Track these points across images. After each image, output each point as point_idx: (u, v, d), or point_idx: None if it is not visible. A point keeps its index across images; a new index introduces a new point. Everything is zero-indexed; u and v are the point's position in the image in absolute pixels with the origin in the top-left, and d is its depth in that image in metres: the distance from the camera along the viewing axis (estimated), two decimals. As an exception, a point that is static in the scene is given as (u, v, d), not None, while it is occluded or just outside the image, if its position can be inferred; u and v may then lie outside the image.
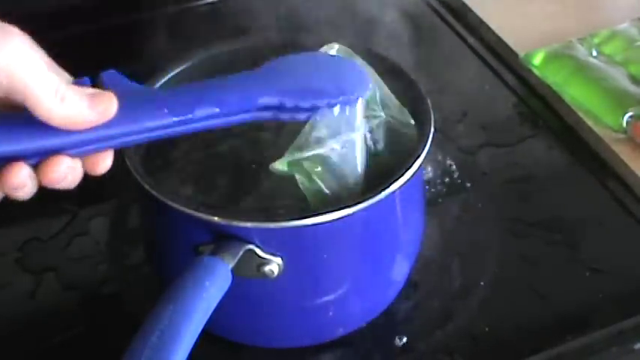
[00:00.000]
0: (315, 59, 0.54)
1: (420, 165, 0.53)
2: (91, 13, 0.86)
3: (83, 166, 0.45)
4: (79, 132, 0.43)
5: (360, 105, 0.52)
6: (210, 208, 0.50)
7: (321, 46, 0.57)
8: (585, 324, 0.59)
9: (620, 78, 0.77)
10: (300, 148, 0.51)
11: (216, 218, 0.50)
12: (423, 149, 0.53)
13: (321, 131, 0.51)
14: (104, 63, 0.80)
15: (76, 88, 0.43)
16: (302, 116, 0.51)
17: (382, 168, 0.53)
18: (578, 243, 0.65)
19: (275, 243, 0.51)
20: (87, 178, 0.71)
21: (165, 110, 0.46)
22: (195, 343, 0.45)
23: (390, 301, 0.59)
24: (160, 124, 0.46)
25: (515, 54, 0.82)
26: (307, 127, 0.51)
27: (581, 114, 0.75)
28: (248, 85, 0.49)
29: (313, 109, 0.50)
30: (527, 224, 0.66)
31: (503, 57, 0.82)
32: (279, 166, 0.52)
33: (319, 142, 0.51)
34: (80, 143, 0.44)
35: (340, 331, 0.58)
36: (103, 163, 0.46)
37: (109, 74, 0.46)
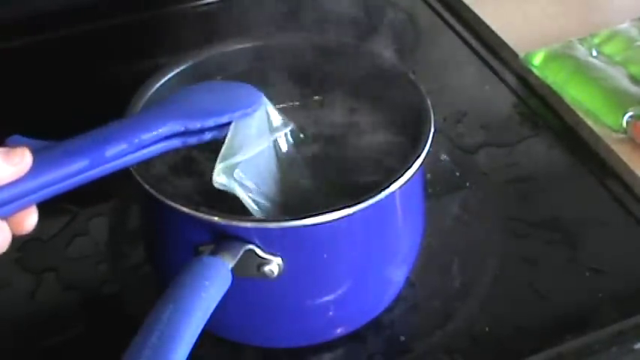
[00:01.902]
0: (210, 86, 0.57)
1: (420, 165, 0.53)
2: (91, 13, 0.86)
3: (10, 227, 0.45)
4: (0, 190, 0.44)
5: (260, 116, 0.55)
6: (210, 208, 0.50)
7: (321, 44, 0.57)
8: (585, 324, 0.59)
9: (620, 78, 0.77)
10: (227, 157, 0.53)
11: (216, 218, 0.50)
12: (423, 149, 0.53)
13: (239, 140, 0.54)
14: (104, 63, 0.81)
15: None
16: (207, 137, 0.53)
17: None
18: (578, 243, 0.65)
19: (275, 243, 0.51)
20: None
21: (77, 155, 0.47)
22: (195, 343, 0.45)
23: (390, 301, 0.59)
24: (74, 169, 0.47)
25: (515, 54, 0.82)
26: (227, 138, 0.54)
27: (581, 114, 0.75)
28: (151, 118, 0.51)
29: (216, 128, 0.53)
30: (527, 224, 0.66)
31: (503, 57, 0.82)
32: (219, 178, 0.53)
33: (241, 149, 0.53)
34: (2, 202, 0.44)
35: (340, 331, 0.58)
36: (28, 220, 0.46)
37: (14, 139, 0.47)
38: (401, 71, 0.59)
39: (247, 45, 0.62)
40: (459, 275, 0.63)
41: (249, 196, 0.53)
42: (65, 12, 0.84)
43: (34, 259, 0.65)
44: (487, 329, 0.59)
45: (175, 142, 0.51)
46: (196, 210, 0.50)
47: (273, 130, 0.56)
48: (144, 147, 0.49)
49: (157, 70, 0.60)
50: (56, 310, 0.62)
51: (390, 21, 0.70)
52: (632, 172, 0.69)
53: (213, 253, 0.49)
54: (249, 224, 0.50)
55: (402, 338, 0.59)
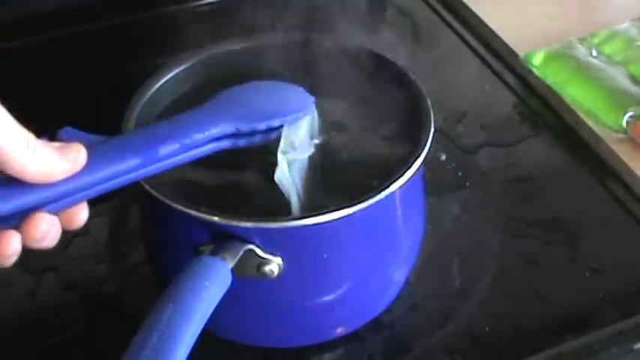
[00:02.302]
0: (260, 86, 0.57)
1: (420, 165, 0.53)
2: (91, 13, 0.86)
3: (62, 223, 0.46)
4: (54, 185, 0.44)
5: (309, 119, 0.55)
6: (210, 208, 0.50)
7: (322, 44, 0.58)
8: (585, 324, 0.59)
9: (620, 78, 0.77)
10: (286, 152, 0.53)
11: (216, 218, 0.50)
12: (423, 149, 0.53)
13: (292, 140, 0.54)
14: (104, 63, 0.81)
15: (44, 141, 0.43)
16: (257, 139, 0.53)
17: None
18: (578, 243, 0.65)
19: (275, 243, 0.51)
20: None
21: (131, 153, 0.47)
22: (195, 343, 0.45)
23: (390, 300, 0.59)
24: (127, 167, 0.47)
25: (515, 54, 0.82)
26: (283, 136, 0.54)
27: (581, 114, 0.75)
28: (203, 118, 0.51)
29: (268, 131, 0.53)
30: (527, 224, 0.66)
31: (503, 57, 0.82)
32: (282, 173, 0.53)
33: (295, 149, 0.53)
34: (56, 197, 0.44)
35: (340, 331, 0.58)
36: (80, 216, 0.46)
37: (66, 131, 0.47)
38: (401, 71, 0.59)
39: (247, 45, 0.62)
40: (459, 275, 0.63)
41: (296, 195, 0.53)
42: (65, 12, 0.84)
43: (34, 259, 0.64)
44: (487, 329, 0.59)
45: (225, 143, 0.51)
46: (196, 210, 0.50)
47: (315, 135, 0.56)
48: (195, 147, 0.49)
49: (157, 70, 0.60)
50: (56, 309, 0.62)
51: (390, 21, 0.70)
52: (632, 172, 0.69)
53: (213, 253, 0.49)
54: (249, 224, 0.50)
55: (402, 338, 0.59)
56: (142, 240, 0.64)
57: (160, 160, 0.48)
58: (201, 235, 0.51)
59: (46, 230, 0.44)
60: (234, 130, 0.51)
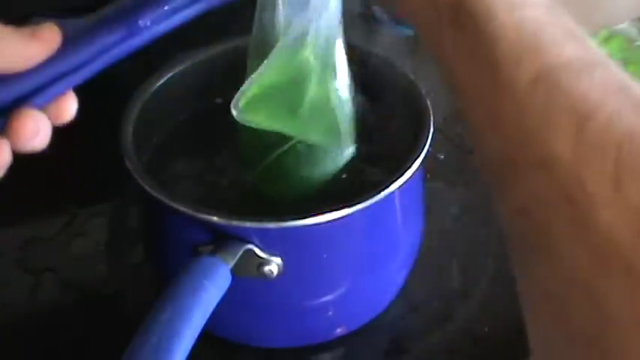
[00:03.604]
0: None
1: (420, 165, 0.53)
2: (91, 12, 0.85)
3: (50, 118, 0.43)
4: (34, 73, 0.41)
5: None
6: (210, 208, 0.50)
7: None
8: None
9: (620, 78, 0.77)
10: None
11: (215, 218, 0.50)
12: (423, 149, 0.53)
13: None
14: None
15: (12, 27, 0.41)
16: None
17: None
18: (578, 243, 0.65)
19: (275, 243, 0.51)
20: (86, 178, 0.71)
21: (109, 27, 0.44)
22: (195, 343, 0.45)
23: (390, 300, 0.59)
24: (108, 42, 0.44)
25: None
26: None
27: (581, 114, 0.74)
28: None
29: None
30: (527, 224, 0.66)
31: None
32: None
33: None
34: (38, 86, 0.42)
35: (340, 331, 0.58)
36: (68, 107, 0.44)
37: (36, 20, 0.44)
38: (401, 71, 0.59)
39: (247, 45, 0.62)
40: (459, 275, 0.63)
41: None
42: (64, 12, 0.84)
43: (34, 259, 0.65)
44: (487, 329, 0.59)
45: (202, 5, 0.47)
46: (196, 210, 0.50)
47: None
48: (178, 10, 0.46)
49: (157, 70, 0.60)
50: (56, 310, 0.62)
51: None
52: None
53: (213, 253, 0.49)
54: (248, 224, 0.50)
55: (402, 338, 0.59)
56: (142, 240, 0.64)
57: (142, 30, 0.45)
58: (200, 235, 0.51)
59: (34, 128, 0.41)
60: None
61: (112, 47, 0.44)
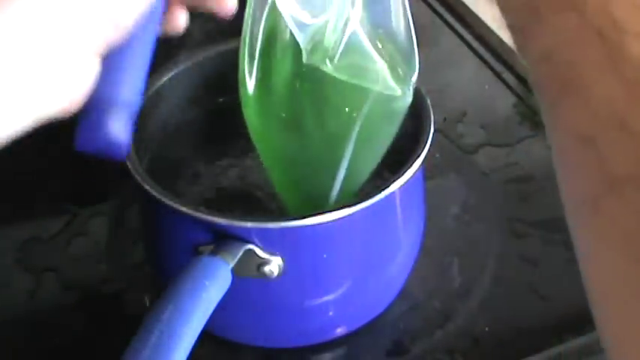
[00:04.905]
0: None
1: (420, 165, 0.53)
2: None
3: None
4: None
5: None
6: (211, 208, 0.50)
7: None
8: (585, 324, 0.59)
9: (620, 78, 0.77)
10: None
11: (216, 218, 0.50)
12: (423, 149, 0.53)
13: None
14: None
15: None
16: None
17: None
18: (578, 243, 0.65)
19: (275, 243, 0.51)
20: (86, 178, 0.71)
21: None
22: (195, 343, 0.45)
23: (390, 300, 0.59)
24: None
25: (515, 54, 0.81)
26: None
27: (581, 114, 0.74)
28: None
29: None
30: (527, 224, 0.66)
31: (503, 57, 0.82)
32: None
33: None
34: None
35: (340, 331, 0.58)
36: None
37: None
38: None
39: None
40: (459, 275, 0.63)
41: None
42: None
43: (34, 259, 0.65)
44: (487, 329, 0.59)
45: None
46: (196, 210, 0.50)
47: None
48: None
49: (157, 70, 0.60)
50: (56, 309, 0.62)
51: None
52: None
53: (213, 253, 0.49)
54: (249, 224, 0.50)
55: (402, 338, 0.59)
56: (142, 240, 0.64)
57: None
58: (200, 235, 0.51)
59: None
60: None
61: None
